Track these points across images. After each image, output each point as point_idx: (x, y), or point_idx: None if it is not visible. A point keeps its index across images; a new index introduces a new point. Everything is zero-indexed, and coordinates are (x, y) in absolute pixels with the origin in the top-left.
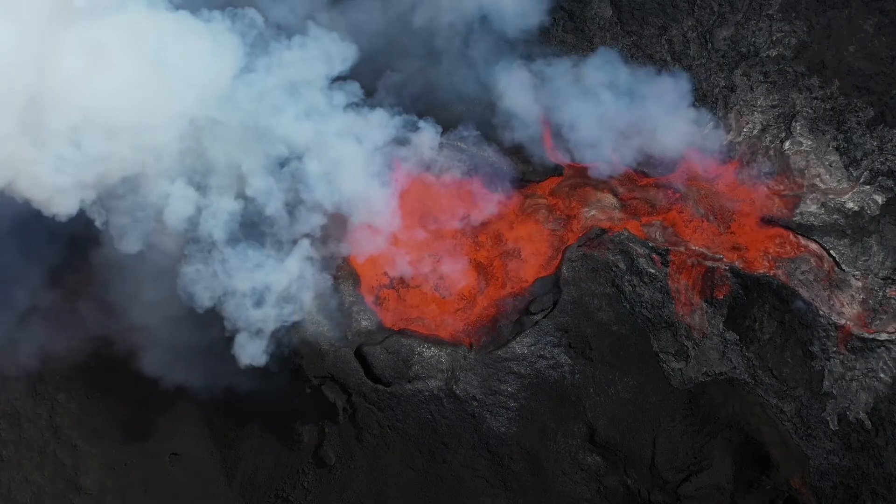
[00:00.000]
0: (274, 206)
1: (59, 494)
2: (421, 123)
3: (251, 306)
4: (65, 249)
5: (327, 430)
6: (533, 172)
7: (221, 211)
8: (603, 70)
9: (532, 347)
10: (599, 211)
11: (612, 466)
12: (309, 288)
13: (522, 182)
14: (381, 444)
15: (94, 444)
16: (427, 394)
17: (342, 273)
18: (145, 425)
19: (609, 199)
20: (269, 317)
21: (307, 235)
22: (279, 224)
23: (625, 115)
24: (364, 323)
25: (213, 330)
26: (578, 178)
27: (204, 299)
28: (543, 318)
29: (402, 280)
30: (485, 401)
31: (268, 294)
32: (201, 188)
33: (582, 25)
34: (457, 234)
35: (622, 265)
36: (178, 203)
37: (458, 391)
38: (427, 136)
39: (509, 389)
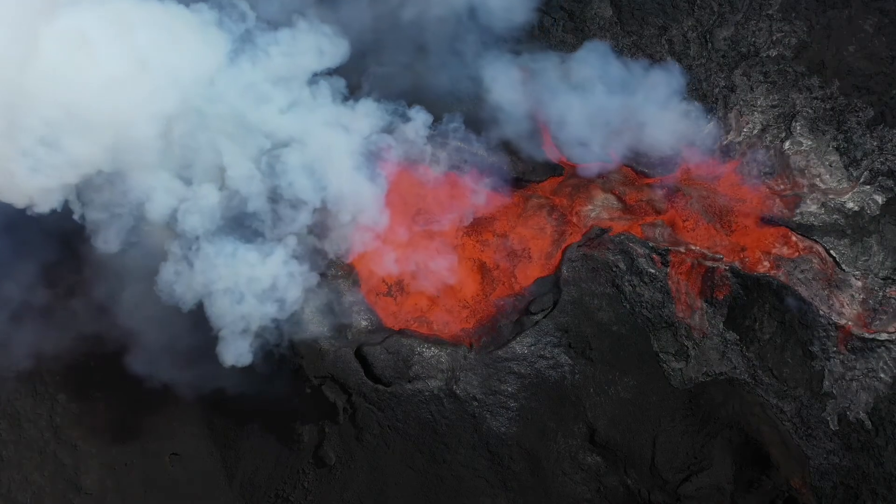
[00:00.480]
0: (259, 201)
1: (59, 494)
2: (411, 112)
3: (234, 304)
4: (62, 247)
5: (327, 430)
6: (533, 172)
7: (204, 206)
8: (600, 68)
9: (532, 347)
10: (600, 211)
11: (612, 466)
12: (295, 286)
13: (523, 182)
14: (381, 444)
15: (94, 444)
16: (427, 394)
17: (342, 273)
18: (145, 425)
19: (609, 199)
20: (252, 315)
21: (293, 232)
22: (265, 220)
23: (623, 112)
24: (364, 323)
25: (213, 329)
26: (578, 178)
27: (185, 297)
28: (543, 318)
29: (400, 280)
30: (485, 401)
31: (251, 292)
32: (185, 182)
33: (582, 25)
34: (458, 234)
35: (622, 265)
36: (161, 198)
37: (458, 391)
38: (417, 126)
39: (509, 389)
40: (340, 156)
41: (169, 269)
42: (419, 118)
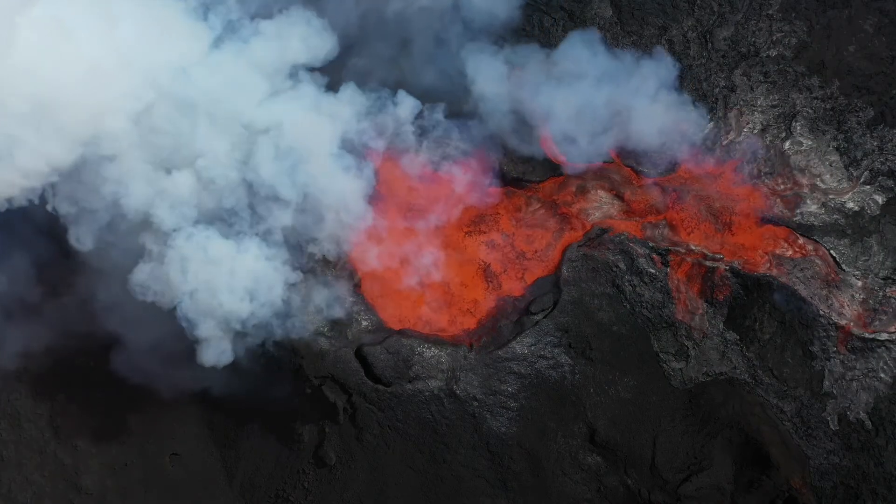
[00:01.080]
0: (237, 193)
1: (59, 494)
2: (397, 98)
3: (211, 302)
4: (58, 243)
5: (327, 430)
6: (533, 172)
7: (179, 197)
8: (589, 60)
9: (532, 347)
10: (600, 211)
11: (613, 466)
12: (276, 283)
13: (523, 182)
14: (381, 444)
15: (94, 444)
16: (427, 394)
17: (340, 271)
18: (145, 425)
19: (610, 199)
20: (231, 314)
21: (275, 226)
22: (243, 213)
23: (615, 105)
24: (364, 323)
25: (197, 328)
26: (579, 178)
27: (162, 295)
28: (544, 318)
29: (395, 279)
30: (485, 401)
31: (229, 288)
32: (159, 173)
33: (582, 26)
34: (459, 235)
35: (622, 265)
36: (137, 189)
37: (458, 391)
38: (405, 112)
39: (509, 389)
40: (324, 145)
41: (143, 265)
42: (406, 104)
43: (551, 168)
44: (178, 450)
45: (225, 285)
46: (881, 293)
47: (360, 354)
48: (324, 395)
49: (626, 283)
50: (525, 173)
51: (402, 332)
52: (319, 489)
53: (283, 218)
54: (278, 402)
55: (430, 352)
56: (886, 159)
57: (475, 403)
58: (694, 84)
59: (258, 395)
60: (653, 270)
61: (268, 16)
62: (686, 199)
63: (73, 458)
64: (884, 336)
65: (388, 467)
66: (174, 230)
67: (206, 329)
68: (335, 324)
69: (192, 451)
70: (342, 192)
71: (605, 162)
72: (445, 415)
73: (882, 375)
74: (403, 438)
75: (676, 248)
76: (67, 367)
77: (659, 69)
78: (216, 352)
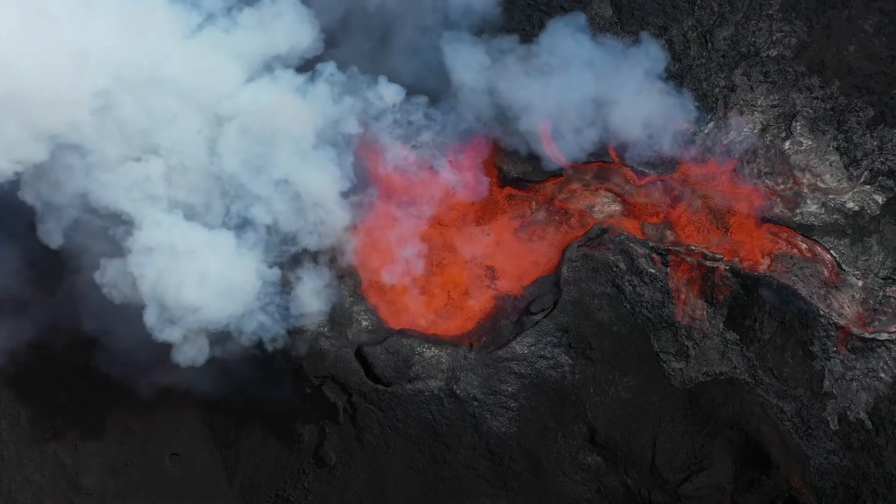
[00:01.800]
0: (210, 182)
1: (59, 494)
2: (379, 84)
3: (186, 299)
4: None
5: (328, 430)
6: (533, 173)
7: (149, 187)
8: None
9: (532, 347)
10: (600, 210)
11: (613, 466)
12: (255, 279)
13: (523, 182)
14: (381, 444)
15: (94, 444)
16: (427, 394)
17: (342, 272)
18: (145, 425)
19: (610, 199)
20: (206, 312)
21: (254, 219)
22: (215, 203)
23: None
24: (364, 323)
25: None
26: (579, 179)
27: (131, 291)
28: (544, 318)
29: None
30: (485, 401)
31: (204, 285)
32: (132, 163)
33: None
34: (457, 234)
35: (622, 265)
36: (106, 179)
37: (458, 391)
38: (388, 99)
39: (509, 389)
40: (305, 129)
41: (109, 262)
42: (389, 91)
43: (552, 168)
44: (178, 450)
45: (196, 282)
46: (881, 293)
47: (360, 354)
48: (324, 395)
49: (626, 283)
50: (525, 174)
51: (402, 332)
52: (319, 489)
53: (261, 209)
54: (278, 402)
55: (430, 352)
56: (886, 159)
57: (475, 403)
58: (694, 84)
59: (258, 395)
60: (653, 270)
61: (250, 4)
62: (686, 198)
63: (73, 458)
64: (884, 336)
65: (388, 467)
66: (144, 224)
67: (175, 331)
68: (335, 324)
69: (192, 451)
70: (323, 181)
71: (605, 162)
72: (445, 415)
73: (882, 375)
74: (403, 438)
75: (676, 248)
76: (68, 367)
77: (646, 58)
78: (191, 351)
